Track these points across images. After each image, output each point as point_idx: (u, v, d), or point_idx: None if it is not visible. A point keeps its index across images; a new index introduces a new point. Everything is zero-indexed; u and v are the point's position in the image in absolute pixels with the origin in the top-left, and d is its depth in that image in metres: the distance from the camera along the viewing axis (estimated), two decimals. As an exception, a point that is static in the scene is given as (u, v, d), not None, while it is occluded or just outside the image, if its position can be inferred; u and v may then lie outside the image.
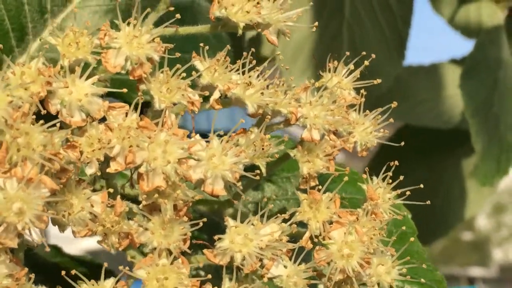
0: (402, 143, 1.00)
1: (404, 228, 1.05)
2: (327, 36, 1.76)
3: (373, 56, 0.92)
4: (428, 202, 0.93)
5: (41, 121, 0.74)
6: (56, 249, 1.29)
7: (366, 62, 0.93)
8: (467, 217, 2.44)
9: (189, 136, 0.81)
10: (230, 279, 0.84)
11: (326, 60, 0.95)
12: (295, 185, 1.10)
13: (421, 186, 0.97)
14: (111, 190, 0.81)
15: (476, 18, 2.22)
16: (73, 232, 0.81)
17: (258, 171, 0.85)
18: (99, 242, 0.83)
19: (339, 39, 1.79)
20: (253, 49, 0.88)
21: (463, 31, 2.27)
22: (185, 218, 0.82)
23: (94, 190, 0.82)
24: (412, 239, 0.99)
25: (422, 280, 1.11)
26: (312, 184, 0.92)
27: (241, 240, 0.84)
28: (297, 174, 1.04)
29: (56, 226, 0.82)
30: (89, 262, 1.22)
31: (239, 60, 0.86)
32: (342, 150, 0.93)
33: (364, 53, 0.93)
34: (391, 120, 0.95)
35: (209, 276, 0.82)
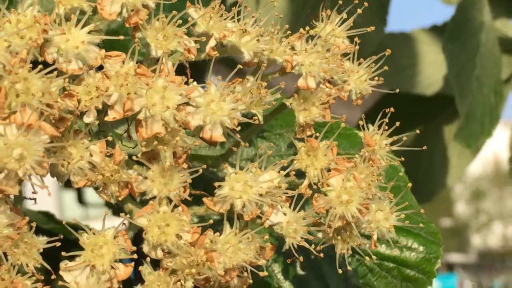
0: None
1: (397, 181, 1.06)
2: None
3: (366, 4, 0.92)
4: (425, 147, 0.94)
5: (40, 66, 0.73)
6: (48, 216, 1.29)
7: (359, 10, 0.93)
8: (449, 183, 2.46)
9: (186, 83, 0.81)
10: (231, 226, 0.84)
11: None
12: (288, 140, 1.10)
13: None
14: (109, 138, 0.81)
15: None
16: (72, 182, 0.81)
17: (255, 117, 0.85)
18: (98, 192, 0.83)
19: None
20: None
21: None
22: (185, 165, 0.82)
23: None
24: (409, 184, 0.99)
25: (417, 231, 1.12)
26: (309, 133, 0.92)
27: (241, 187, 0.84)
28: (291, 130, 1.04)
29: (55, 177, 0.81)
30: (82, 229, 1.21)
31: (234, 8, 0.86)
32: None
33: (356, 1, 0.93)
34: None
35: (211, 221, 0.82)
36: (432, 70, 2.26)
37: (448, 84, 2.10)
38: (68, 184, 0.82)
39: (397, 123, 0.93)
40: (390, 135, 0.95)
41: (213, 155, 1.06)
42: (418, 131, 1.08)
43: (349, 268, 0.93)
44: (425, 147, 1.05)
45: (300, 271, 1.08)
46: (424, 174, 2.35)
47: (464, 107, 1.86)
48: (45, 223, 1.24)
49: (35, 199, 0.84)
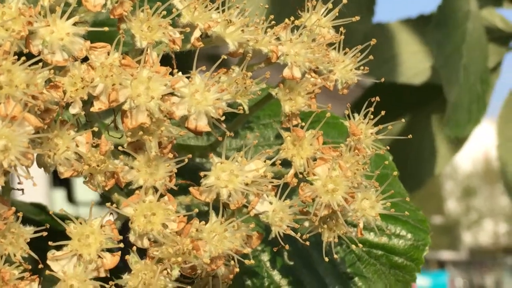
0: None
1: (385, 169, 1.07)
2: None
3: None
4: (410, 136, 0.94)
5: (23, 58, 0.74)
6: (40, 208, 1.29)
7: (345, 0, 0.94)
8: (437, 172, 2.47)
9: (171, 74, 0.82)
10: (217, 215, 0.84)
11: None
12: (276, 131, 1.10)
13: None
14: (95, 129, 0.81)
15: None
16: (59, 172, 0.81)
17: (241, 107, 0.86)
18: (85, 182, 0.83)
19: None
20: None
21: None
22: (170, 155, 0.82)
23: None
24: (395, 173, 1.00)
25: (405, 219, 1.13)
26: (295, 122, 0.92)
27: (227, 176, 0.84)
28: (277, 120, 1.05)
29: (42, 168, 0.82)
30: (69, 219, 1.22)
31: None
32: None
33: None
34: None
35: (196, 210, 0.82)
36: (420, 60, 2.27)
37: (436, 73, 2.12)
38: (58, 182, 0.82)
39: (383, 112, 0.94)
40: (376, 124, 0.96)
41: (201, 145, 1.07)
42: (404, 120, 1.09)
43: (335, 256, 0.94)
44: (410, 136, 1.06)
45: (288, 260, 1.09)
46: (412, 163, 2.36)
47: (452, 95, 1.87)
48: (37, 215, 1.24)
49: (22, 189, 0.85)
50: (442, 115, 2.13)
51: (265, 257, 1.08)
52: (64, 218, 0.83)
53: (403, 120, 0.99)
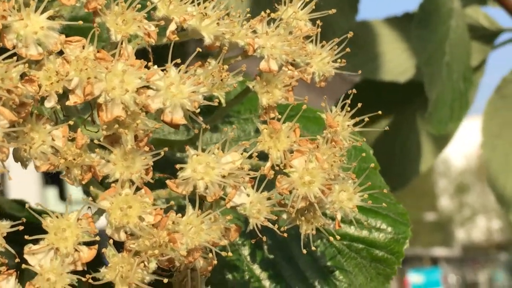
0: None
1: (365, 162, 1.07)
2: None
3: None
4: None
5: (-4, 51, 0.74)
6: (22, 204, 1.29)
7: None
8: (423, 169, 2.48)
9: (146, 67, 0.82)
10: (193, 207, 0.85)
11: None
12: (256, 125, 1.11)
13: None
14: (71, 122, 0.81)
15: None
16: (36, 166, 0.81)
17: (217, 100, 0.86)
18: (62, 176, 0.83)
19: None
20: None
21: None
22: (146, 148, 0.82)
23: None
24: (372, 164, 1.01)
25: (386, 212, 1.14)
26: (272, 115, 0.93)
27: (203, 168, 0.85)
28: (256, 114, 1.05)
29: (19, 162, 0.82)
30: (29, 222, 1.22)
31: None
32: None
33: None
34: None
35: (172, 202, 0.83)
36: (405, 57, 2.27)
37: (421, 71, 2.12)
38: (50, 180, 0.82)
39: (359, 105, 0.94)
40: (353, 117, 0.96)
41: (181, 140, 1.07)
42: (389, 118, 1.10)
43: (313, 248, 0.94)
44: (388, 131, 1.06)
45: (268, 254, 1.10)
46: (398, 161, 2.37)
47: (434, 93, 1.87)
48: (20, 211, 1.24)
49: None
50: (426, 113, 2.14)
51: (245, 251, 1.09)
52: (43, 212, 0.83)
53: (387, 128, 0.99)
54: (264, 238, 0.88)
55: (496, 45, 2.23)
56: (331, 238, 0.97)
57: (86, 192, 0.91)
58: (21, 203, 1.29)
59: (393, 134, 2.32)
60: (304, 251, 0.92)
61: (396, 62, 2.25)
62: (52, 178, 0.97)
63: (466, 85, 1.96)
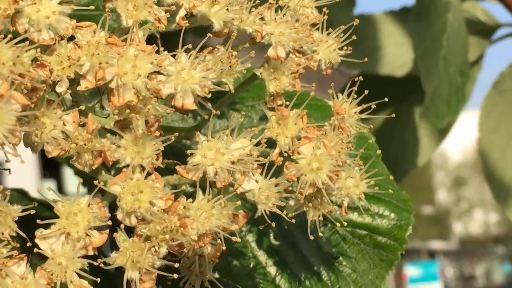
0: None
1: (368, 149, 1.08)
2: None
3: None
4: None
5: (10, 36, 0.74)
6: (22, 193, 1.29)
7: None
8: (420, 163, 2.48)
9: (157, 53, 0.82)
10: (203, 193, 0.85)
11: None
12: (260, 113, 1.11)
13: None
14: (82, 107, 0.82)
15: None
16: (47, 151, 0.82)
17: (226, 85, 0.86)
18: (72, 161, 0.84)
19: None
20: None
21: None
22: (157, 133, 0.83)
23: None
24: (379, 151, 1.02)
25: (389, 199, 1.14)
26: (279, 102, 0.93)
27: (213, 154, 0.85)
28: (262, 101, 1.05)
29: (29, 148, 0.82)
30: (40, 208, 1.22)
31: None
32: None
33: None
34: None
35: (184, 187, 0.83)
36: (402, 52, 2.28)
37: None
38: (48, 174, 0.82)
39: (366, 92, 0.95)
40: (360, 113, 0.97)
41: (185, 127, 1.07)
42: (388, 111, 1.10)
43: (320, 234, 0.95)
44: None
45: (273, 241, 1.10)
46: (395, 154, 2.38)
47: (430, 86, 1.88)
48: (19, 200, 1.24)
49: (9, 169, 0.85)
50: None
51: (250, 238, 1.09)
52: (47, 204, 0.84)
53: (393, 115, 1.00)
54: (273, 224, 0.89)
55: (494, 40, 2.24)
56: (337, 225, 0.97)
57: (88, 182, 0.92)
58: (20, 192, 1.30)
59: (391, 128, 2.33)
60: (311, 237, 0.93)
61: (394, 56, 2.25)
62: (50, 172, 0.97)
63: (463, 79, 1.96)
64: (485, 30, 2.19)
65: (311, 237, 0.93)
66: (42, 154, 0.85)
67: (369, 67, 2.25)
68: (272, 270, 1.10)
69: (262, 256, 1.10)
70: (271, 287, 1.09)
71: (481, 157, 2.25)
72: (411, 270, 20.27)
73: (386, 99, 0.96)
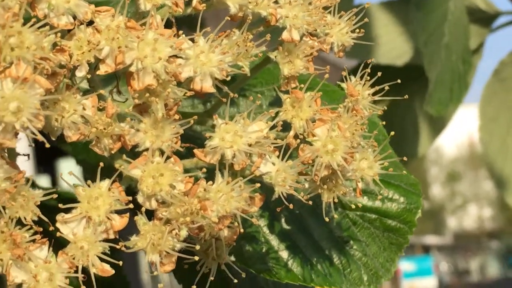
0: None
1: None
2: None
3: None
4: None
5: (33, 20, 0.75)
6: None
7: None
8: (420, 153, 2.50)
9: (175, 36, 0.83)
10: (222, 176, 0.86)
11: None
12: (269, 98, 1.12)
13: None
14: (102, 91, 0.82)
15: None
16: (67, 136, 0.82)
17: (243, 68, 0.87)
18: (92, 146, 0.84)
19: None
20: None
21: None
22: (176, 117, 0.84)
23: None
24: (392, 133, 1.03)
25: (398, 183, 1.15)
26: (293, 85, 0.94)
27: (231, 137, 0.86)
28: (272, 88, 1.06)
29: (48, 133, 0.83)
30: (60, 195, 1.22)
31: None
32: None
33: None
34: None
35: (204, 170, 0.84)
36: (401, 41, 2.29)
37: (418, 54, 2.14)
38: (43, 169, 0.82)
39: (379, 74, 0.96)
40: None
41: (197, 112, 1.08)
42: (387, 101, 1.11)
43: (335, 216, 0.96)
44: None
45: (285, 225, 1.11)
46: (395, 144, 2.38)
47: (433, 74, 1.89)
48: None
49: (28, 155, 0.86)
50: (424, 96, 2.15)
51: (262, 222, 1.10)
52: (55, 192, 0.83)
53: (406, 96, 1.01)
54: (291, 206, 0.89)
55: (493, 28, 2.25)
56: (351, 206, 0.99)
57: (89, 172, 0.92)
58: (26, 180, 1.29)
59: (390, 117, 2.34)
60: (327, 219, 0.94)
61: (393, 46, 2.26)
62: (45, 167, 0.98)
63: (465, 67, 1.98)
64: (485, 19, 2.20)
65: (327, 219, 0.94)
66: (36, 150, 0.85)
67: (367, 57, 2.26)
68: (284, 254, 1.11)
69: (274, 241, 1.11)
70: (283, 271, 1.10)
71: (482, 145, 2.26)
72: (405, 265, 20.32)
73: (399, 81, 0.97)
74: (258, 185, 0.86)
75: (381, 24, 2.26)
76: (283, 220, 1.12)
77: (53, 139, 0.84)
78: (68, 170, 0.85)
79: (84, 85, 0.86)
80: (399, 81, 0.97)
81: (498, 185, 2.21)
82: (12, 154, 0.83)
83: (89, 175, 0.87)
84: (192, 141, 0.94)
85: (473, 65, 2.10)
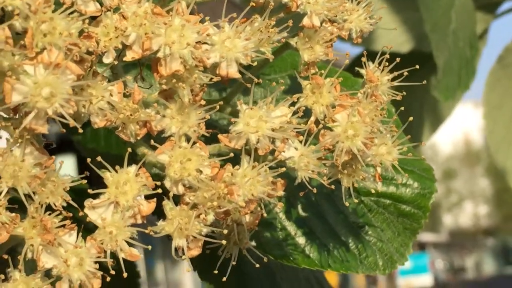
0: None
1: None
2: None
3: None
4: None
5: (65, 6, 0.75)
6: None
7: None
8: (425, 139, 2.50)
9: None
10: (248, 161, 0.87)
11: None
12: (284, 86, 1.13)
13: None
14: (129, 77, 0.83)
15: None
16: (94, 122, 0.83)
17: (267, 54, 0.88)
18: (118, 132, 0.85)
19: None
20: None
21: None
22: (202, 102, 0.84)
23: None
24: (411, 118, 1.04)
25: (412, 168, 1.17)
26: (313, 71, 0.95)
27: (255, 122, 0.87)
28: (285, 76, 1.07)
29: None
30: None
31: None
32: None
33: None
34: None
35: (232, 154, 0.85)
36: (407, 28, 2.29)
37: (422, 41, 2.14)
38: None
39: (398, 59, 0.97)
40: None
41: (215, 99, 1.09)
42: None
43: (355, 200, 0.97)
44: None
45: (301, 212, 1.12)
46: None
47: (441, 60, 1.90)
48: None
49: (53, 142, 0.86)
50: (429, 83, 2.15)
51: (279, 209, 1.11)
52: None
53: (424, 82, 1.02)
54: (315, 190, 0.90)
55: (498, 14, 2.26)
56: (371, 191, 1.00)
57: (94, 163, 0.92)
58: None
59: (396, 105, 2.34)
60: (347, 204, 0.95)
61: (398, 32, 2.26)
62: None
63: (472, 52, 1.98)
64: (489, 5, 2.21)
65: (347, 204, 0.95)
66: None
67: (370, 44, 2.26)
68: (301, 240, 1.12)
69: (290, 227, 1.12)
70: (301, 257, 1.11)
71: (486, 133, 2.27)
72: (401, 263, 20.30)
73: (417, 66, 0.98)
74: (284, 169, 0.87)
75: (384, 12, 2.26)
76: (299, 206, 1.13)
77: (79, 126, 0.85)
78: (67, 166, 0.86)
79: (105, 73, 0.87)
80: (417, 66, 0.97)
81: (503, 172, 2.22)
82: (39, 141, 0.83)
83: (96, 164, 0.88)
84: (209, 128, 0.95)
85: (479, 51, 2.11)
